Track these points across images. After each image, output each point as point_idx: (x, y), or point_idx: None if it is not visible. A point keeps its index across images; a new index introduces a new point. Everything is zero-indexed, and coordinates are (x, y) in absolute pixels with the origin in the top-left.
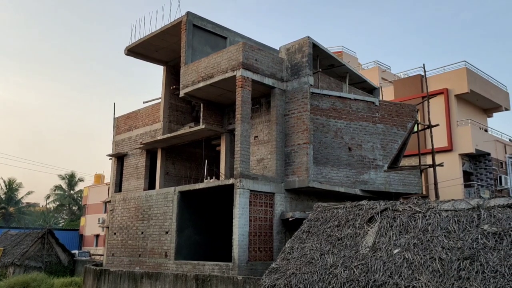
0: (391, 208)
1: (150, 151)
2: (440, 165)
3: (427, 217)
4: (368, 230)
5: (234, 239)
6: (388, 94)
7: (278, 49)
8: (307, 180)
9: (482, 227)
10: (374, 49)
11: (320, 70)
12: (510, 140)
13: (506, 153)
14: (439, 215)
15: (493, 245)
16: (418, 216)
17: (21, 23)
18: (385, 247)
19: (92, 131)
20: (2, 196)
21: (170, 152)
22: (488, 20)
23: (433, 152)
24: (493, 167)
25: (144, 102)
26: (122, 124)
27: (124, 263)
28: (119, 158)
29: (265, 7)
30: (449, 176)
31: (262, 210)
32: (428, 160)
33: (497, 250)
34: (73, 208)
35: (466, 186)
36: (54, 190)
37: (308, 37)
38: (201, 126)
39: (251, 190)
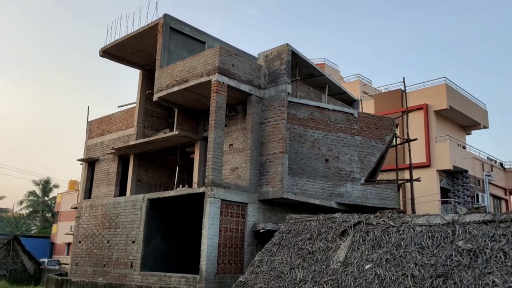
0: (364, 222)
1: (122, 157)
2: (417, 180)
3: (400, 232)
4: (341, 244)
5: (203, 251)
6: (368, 108)
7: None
8: (281, 191)
9: (456, 243)
10: (357, 63)
11: (299, 78)
12: (487, 158)
13: (483, 170)
14: (413, 230)
15: (468, 263)
16: (391, 230)
17: None
18: (356, 262)
19: (69, 136)
20: None
21: (143, 158)
22: (470, 41)
23: (410, 167)
24: (470, 184)
25: (119, 106)
26: (95, 128)
27: (88, 273)
28: (91, 164)
29: (251, 20)
30: (427, 192)
31: (234, 221)
32: (406, 175)
33: (471, 268)
34: (47, 215)
35: (443, 202)
36: (28, 196)
37: (287, 44)
38: (175, 132)
39: (222, 200)
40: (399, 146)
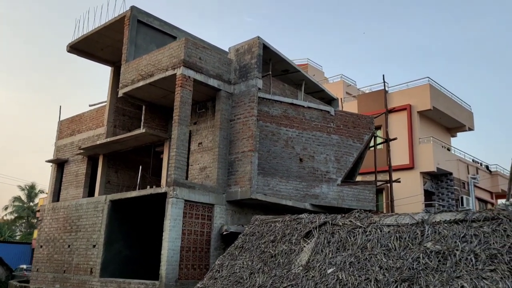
0: (330, 222)
1: (92, 158)
2: (397, 181)
3: (367, 233)
4: (304, 246)
5: (163, 255)
6: (352, 108)
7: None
8: (250, 191)
9: (425, 244)
10: (341, 64)
11: (270, 73)
12: (473, 160)
13: (468, 173)
14: (380, 231)
15: (436, 266)
16: (358, 231)
17: None
18: (319, 266)
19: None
20: None
21: (114, 159)
22: (457, 44)
23: (389, 167)
24: (455, 187)
25: (90, 105)
26: (65, 128)
27: (48, 279)
28: (60, 165)
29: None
30: (410, 194)
31: (199, 223)
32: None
33: (439, 272)
34: (32, 220)
35: (427, 205)
36: (13, 202)
37: (258, 37)
38: (142, 130)
39: (186, 200)
40: (381, 147)
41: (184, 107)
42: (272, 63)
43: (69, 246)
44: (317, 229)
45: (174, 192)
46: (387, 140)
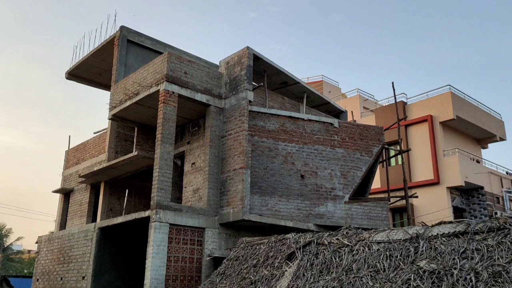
0: (315, 242)
1: (95, 185)
2: (413, 196)
3: (354, 252)
4: (286, 270)
5: (145, 285)
6: (369, 123)
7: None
8: (242, 211)
9: (418, 263)
10: (359, 79)
11: (262, 84)
12: (506, 172)
13: (502, 186)
14: (369, 249)
15: None
16: (344, 250)
17: None
18: None
19: None
20: None
21: (115, 186)
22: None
23: (404, 181)
24: (488, 202)
25: (94, 133)
26: (71, 157)
27: None
28: (66, 195)
29: (277, 54)
30: (438, 213)
31: (188, 249)
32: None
33: None
34: None
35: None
36: None
37: (248, 47)
38: (134, 153)
39: (171, 224)
40: (400, 162)
41: (167, 124)
42: (268, 75)
43: (61, 278)
44: (301, 250)
45: (157, 216)
46: (400, 152)
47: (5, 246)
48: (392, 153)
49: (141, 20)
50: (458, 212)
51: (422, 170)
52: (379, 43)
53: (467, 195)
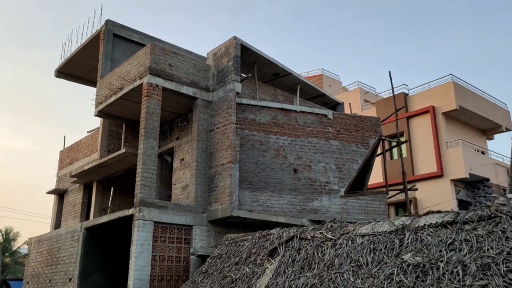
0: (298, 236)
1: (88, 185)
2: (413, 188)
3: (337, 246)
4: (267, 267)
5: (129, 286)
6: (371, 115)
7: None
8: (230, 208)
9: (402, 256)
10: (360, 72)
11: (250, 75)
12: None
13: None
14: (353, 243)
15: (412, 284)
16: (327, 245)
17: None
18: None
19: None
20: None
21: (108, 185)
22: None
23: (403, 174)
24: (494, 195)
25: (88, 132)
26: (65, 157)
27: None
28: (61, 196)
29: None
30: (442, 206)
31: (174, 248)
32: (419, 186)
33: None
34: None
35: None
36: None
37: (235, 37)
38: (122, 150)
39: (156, 222)
40: (405, 154)
41: (151, 118)
42: (259, 67)
43: (50, 281)
44: (283, 246)
45: (141, 214)
46: (398, 144)
47: (13, 249)
48: (391, 144)
49: (145, 20)
50: (463, 205)
51: (425, 163)
52: (385, 36)
53: (473, 188)
